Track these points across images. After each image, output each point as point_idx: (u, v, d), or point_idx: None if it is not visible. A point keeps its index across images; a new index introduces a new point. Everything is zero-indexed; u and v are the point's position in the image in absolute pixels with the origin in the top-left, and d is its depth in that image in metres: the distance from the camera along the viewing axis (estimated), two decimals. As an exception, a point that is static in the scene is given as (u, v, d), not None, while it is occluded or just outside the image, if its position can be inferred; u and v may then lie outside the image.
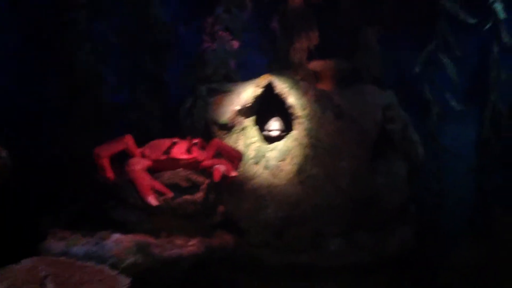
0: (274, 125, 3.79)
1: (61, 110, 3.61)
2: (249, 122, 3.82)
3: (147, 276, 2.86)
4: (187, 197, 3.08)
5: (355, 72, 4.05)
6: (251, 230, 3.55)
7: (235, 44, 4.05)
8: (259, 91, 3.80)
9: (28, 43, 3.63)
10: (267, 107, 3.85)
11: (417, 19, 4.22)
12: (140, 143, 3.29)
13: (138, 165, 3.08)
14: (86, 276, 2.36)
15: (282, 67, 3.98)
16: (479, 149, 4.31)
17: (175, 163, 3.21)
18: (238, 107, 3.75)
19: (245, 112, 3.79)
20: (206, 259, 3.09)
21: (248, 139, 3.77)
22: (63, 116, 3.61)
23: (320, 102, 3.75)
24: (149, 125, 3.89)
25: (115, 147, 3.18)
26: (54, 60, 3.59)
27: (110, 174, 3.10)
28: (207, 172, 3.25)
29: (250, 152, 3.71)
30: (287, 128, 3.79)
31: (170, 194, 3.03)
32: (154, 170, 3.18)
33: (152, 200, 2.96)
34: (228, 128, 3.74)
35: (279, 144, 3.73)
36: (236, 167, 3.43)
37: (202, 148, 3.37)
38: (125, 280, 2.39)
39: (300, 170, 3.60)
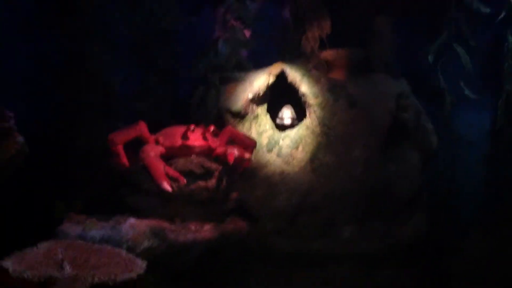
0: (287, 113, 3.80)
1: (72, 97, 3.62)
2: (261, 110, 3.83)
3: (162, 260, 2.88)
4: (201, 183, 3.10)
5: (367, 61, 4.03)
6: (264, 217, 3.57)
7: (247, 33, 4.04)
8: (271, 79, 3.80)
9: (37, 32, 3.63)
10: (279, 95, 3.85)
11: (431, 7, 4.20)
12: (151, 132, 3.30)
13: (152, 152, 3.09)
14: (103, 259, 2.37)
15: (294, 56, 3.98)
16: (493, 137, 4.29)
17: (188, 150, 3.22)
18: (250, 95, 3.75)
19: (258, 100, 3.79)
20: (219, 244, 3.11)
21: (260, 127, 3.78)
22: (74, 102, 3.61)
23: (333, 90, 3.74)
24: (160, 114, 3.89)
25: (129, 134, 3.21)
26: (64, 49, 3.59)
27: (124, 160, 3.12)
28: (220, 159, 3.26)
29: (263, 140, 3.72)
30: (299, 117, 3.79)
31: (183, 181, 3.04)
32: (167, 157, 3.20)
33: (166, 186, 2.97)
34: (241, 116, 3.74)
35: (291, 132, 3.74)
36: (249, 155, 3.44)
37: (216, 135, 3.38)
38: (142, 263, 2.40)
39: (313, 158, 3.61)
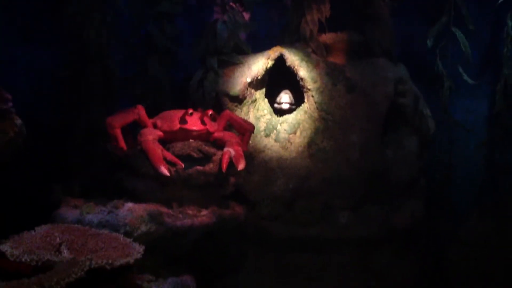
0: (285, 98, 3.79)
1: (70, 80, 3.60)
2: (259, 94, 3.82)
3: (159, 245, 2.89)
4: (198, 168, 3.10)
5: (366, 45, 4.01)
6: (261, 203, 3.58)
7: (246, 16, 4.01)
8: (270, 63, 3.78)
9: (38, 13, 3.61)
10: (277, 79, 3.84)
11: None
12: (150, 115, 3.29)
13: (150, 135, 3.08)
14: (100, 243, 2.38)
15: (293, 40, 3.96)
16: (491, 123, 4.29)
17: (186, 134, 3.21)
18: (249, 79, 3.74)
19: (256, 84, 3.78)
20: (217, 229, 3.11)
21: (258, 112, 3.77)
22: (73, 86, 3.60)
23: (331, 75, 3.73)
24: (159, 97, 3.87)
25: (127, 117, 3.20)
26: (63, 31, 3.56)
27: (122, 144, 3.12)
28: (218, 143, 3.25)
29: (261, 125, 3.72)
30: (297, 101, 3.78)
31: (181, 165, 3.04)
32: (165, 141, 3.20)
33: (164, 171, 2.97)
34: (239, 100, 3.73)
35: (289, 117, 3.73)
36: (247, 139, 3.44)
37: (214, 119, 3.37)
38: (139, 248, 2.40)
39: (310, 143, 3.61)
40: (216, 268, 3.37)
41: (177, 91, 3.97)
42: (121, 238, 2.50)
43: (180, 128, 3.19)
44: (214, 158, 3.15)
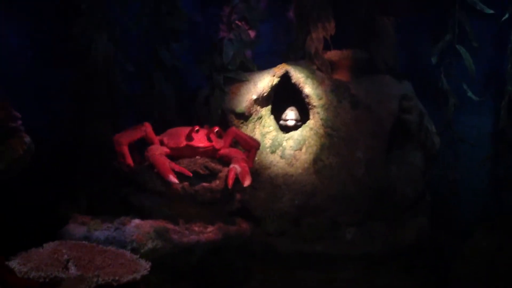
0: (290, 115, 3.82)
1: (77, 97, 3.64)
2: (265, 111, 3.84)
3: (166, 261, 2.90)
4: (205, 184, 3.11)
5: (371, 62, 4.04)
6: (267, 219, 3.59)
7: (252, 33, 4.06)
8: (275, 80, 3.81)
9: (45, 30, 3.65)
10: (283, 96, 3.87)
11: (434, 8, 4.21)
12: (156, 131, 3.32)
13: (157, 151, 3.12)
14: (107, 260, 2.40)
15: (298, 57, 3.99)
16: (495, 139, 4.30)
17: (193, 151, 3.23)
18: (254, 96, 3.77)
19: (262, 101, 3.81)
20: (223, 246, 3.13)
21: (264, 128, 3.80)
22: (79, 103, 3.63)
23: (336, 92, 3.76)
24: (165, 114, 3.90)
25: (134, 134, 3.23)
26: (71, 47, 3.60)
27: (129, 160, 3.14)
28: (224, 160, 3.28)
29: (267, 141, 3.74)
30: (303, 118, 3.81)
31: (189, 174, 3.07)
32: (172, 158, 3.21)
33: (173, 179, 3.00)
34: (245, 117, 3.76)
35: (295, 134, 3.76)
36: (253, 156, 3.46)
37: (220, 136, 3.40)
38: (146, 264, 2.42)
39: (316, 160, 3.63)
40: (222, 285, 3.37)
41: (183, 108, 4.00)
42: (128, 255, 2.52)
43: (187, 145, 3.22)
44: (220, 174, 3.17)
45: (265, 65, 3.97)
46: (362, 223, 3.65)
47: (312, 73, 3.81)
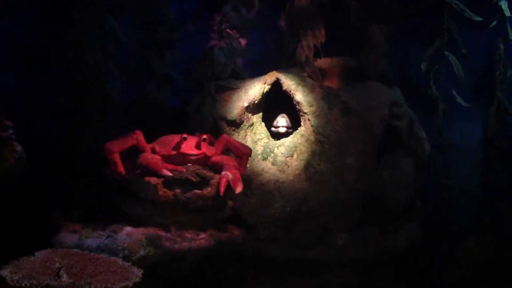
0: (282, 122, 3.84)
1: (70, 106, 3.64)
2: (256, 118, 3.86)
3: (158, 268, 2.91)
4: (197, 191, 3.13)
5: (361, 69, 4.08)
6: (259, 225, 3.59)
7: (243, 42, 4.08)
8: (266, 88, 3.84)
9: (37, 40, 3.66)
10: (274, 104, 3.89)
11: (423, 16, 4.25)
12: (149, 140, 3.33)
13: (149, 156, 3.15)
14: (99, 268, 2.41)
15: (289, 65, 4.02)
16: (485, 145, 4.34)
17: (184, 159, 3.25)
18: (246, 104, 3.79)
19: (253, 108, 3.83)
20: (215, 252, 3.13)
21: (256, 135, 3.81)
22: (72, 112, 3.64)
23: (327, 99, 3.78)
24: (157, 122, 3.91)
25: (126, 142, 3.23)
26: (63, 57, 3.61)
27: (121, 168, 3.15)
28: (216, 167, 3.29)
29: (258, 148, 3.76)
30: (294, 125, 3.83)
31: (183, 170, 3.11)
32: (163, 165, 3.23)
33: (166, 172, 3.06)
34: (236, 124, 3.77)
35: (286, 141, 3.77)
36: (245, 163, 3.47)
37: (211, 143, 3.41)
38: (137, 272, 2.43)
39: (307, 166, 3.64)
40: (215, 292, 3.38)
41: (175, 116, 4.01)
42: (120, 262, 2.53)
43: (178, 153, 3.23)
44: (212, 181, 3.19)
45: (256, 73, 3.99)
46: (354, 229, 3.66)
47: (303, 81, 3.83)
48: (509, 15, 4.07)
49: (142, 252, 2.85)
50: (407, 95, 4.07)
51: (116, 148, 3.18)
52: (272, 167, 3.68)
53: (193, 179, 3.15)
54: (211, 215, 3.24)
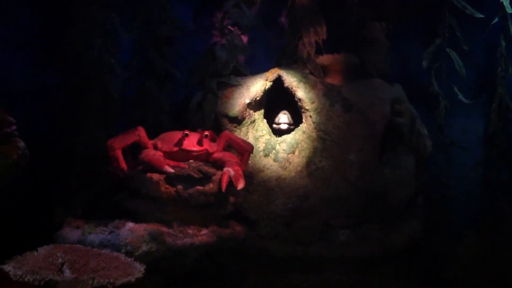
0: (283, 118, 3.84)
1: (71, 103, 3.65)
2: (258, 115, 3.87)
3: (160, 264, 2.91)
4: (199, 188, 3.13)
5: (363, 66, 4.08)
6: (260, 222, 3.60)
7: (244, 39, 4.08)
8: (268, 84, 3.84)
9: (39, 37, 3.66)
10: (276, 100, 3.90)
11: (425, 13, 4.25)
12: (150, 137, 3.34)
13: (151, 152, 3.15)
14: (101, 263, 2.42)
15: (291, 62, 4.03)
16: (486, 142, 4.34)
17: (186, 155, 3.25)
18: (247, 101, 3.79)
19: (255, 105, 3.83)
20: (217, 248, 3.14)
21: (257, 132, 3.82)
22: (73, 109, 3.64)
23: (329, 95, 3.78)
24: (159, 119, 3.92)
25: (128, 139, 3.24)
26: (64, 54, 3.62)
27: (123, 165, 3.15)
28: (217, 164, 3.29)
29: (260, 145, 3.76)
30: (296, 121, 3.84)
31: (185, 166, 3.12)
32: (165, 162, 3.23)
33: (168, 168, 3.05)
34: (238, 121, 3.78)
35: (288, 137, 3.78)
36: (246, 159, 3.48)
37: (213, 140, 3.42)
38: (140, 267, 2.44)
39: (309, 163, 3.65)
40: (216, 287, 3.38)
41: (177, 113, 4.02)
42: (123, 258, 2.53)
43: (180, 149, 3.24)
44: (214, 178, 3.19)
45: (258, 70, 4.00)
46: (355, 226, 3.67)
47: (304, 77, 3.84)
48: (511, 12, 4.08)
49: (144, 248, 2.86)
50: (409, 92, 4.07)
51: (118, 144, 3.18)
52: (274, 163, 3.69)
53: (195, 176, 3.16)
54: (213, 211, 3.25)
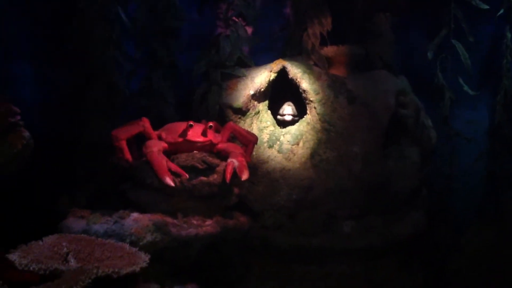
0: (288, 110, 3.84)
1: (76, 94, 3.66)
2: (262, 106, 3.87)
3: (165, 254, 2.93)
4: (203, 178, 3.14)
5: (367, 58, 4.07)
6: (264, 213, 3.61)
7: (249, 30, 4.08)
8: (272, 76, 3.84)
9: (43, 29, 3.67)
10: (280, 92, 3.89)
11: (430, 4, 4.24)
12: (155, 128, 3.34)
13: (155, 147, 3.13)
14: (106, 253, 2.43)
15: (295, 53, 4.02)
16: (491, 134, 4.33)
17: (190, 146, 3.26)
18: (252, 92, 3.79)
19: (259, 96, 3.83)
20: (221, 239, 3.15)
21: (262, 123, 3.82)
22: (78, 100, 3.65)
23: (333, 87, 3.78)
24: (163, 111, 3.92)
25: (132, 129, 3.24)
26: (69, 46, 3.62)
27: (127, 155, 3.16)
28: (222, 155, 3.30)
29: (264, 136, 3.76)
30: (300, 113, 3.83)
31: (186, 176, 3.09)
32: (170, 152, 3.24)
33: (169, 181, 3.02)
34: (242, 112, 3.78)
35: (292, 128, 3.78)
36: (251, 150, 3.48)
37: (217, 131, 3.42)
38: (144, 257, 2.45)
39: (313, 154, 3.65)
40: (220, 278, 3.39)
41: (181, 104, 4.02)
42: (127, 248, 2.54)
43: (185, 140, 3.24)
44: (218, 169, 3.20)
45: (262, 61, 3.99)
46: (359, 217, 3.67)
47: (309, 69, 3.83)
48: (516, 3, 4.06)
49: (149, 238, 2.87)
50: (414, 84, 4.06)
51: (123, 135, 3.18)
52: (278, 155, 3.69)
53: (200, 166, 3.16)
54: (217, 202, 3.25)
